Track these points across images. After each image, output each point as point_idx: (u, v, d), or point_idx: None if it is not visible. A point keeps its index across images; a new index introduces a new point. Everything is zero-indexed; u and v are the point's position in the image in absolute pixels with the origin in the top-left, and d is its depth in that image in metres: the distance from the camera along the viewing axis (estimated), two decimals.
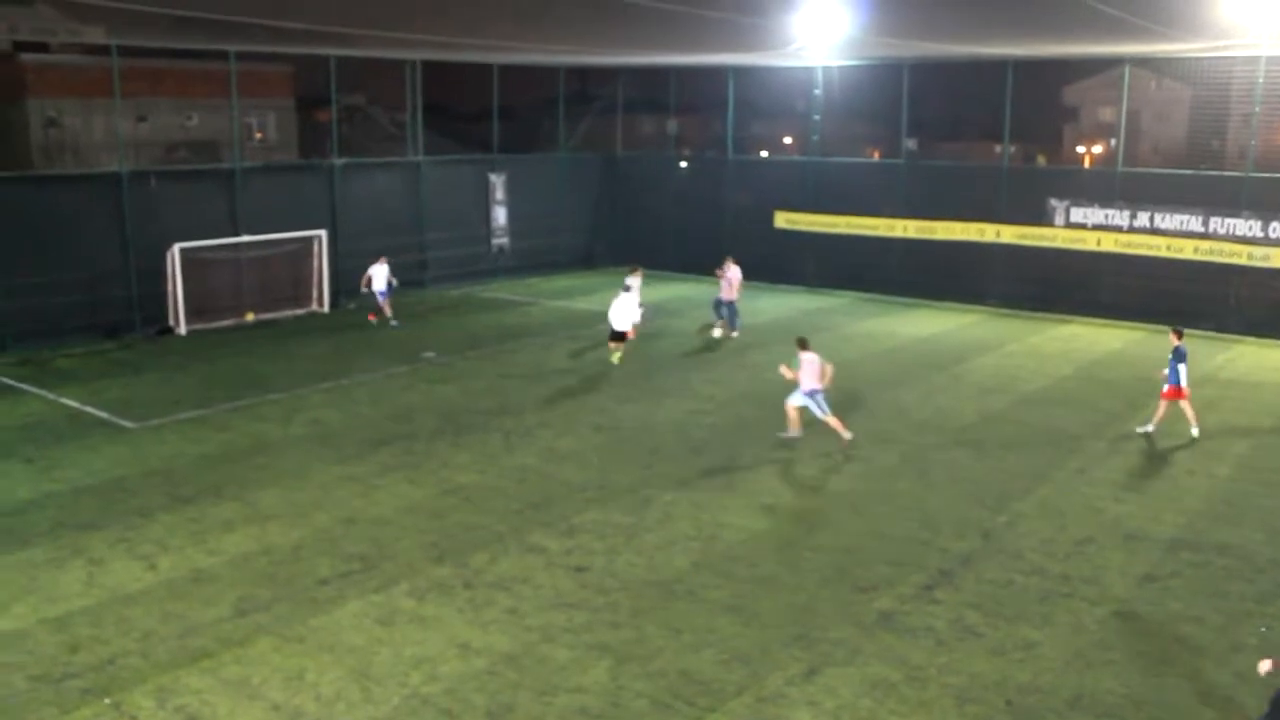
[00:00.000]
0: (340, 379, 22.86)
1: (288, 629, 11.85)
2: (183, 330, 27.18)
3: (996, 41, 25.73)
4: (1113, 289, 28.87)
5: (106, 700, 10.41)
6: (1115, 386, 22.36)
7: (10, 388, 22.14)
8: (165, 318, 27.25)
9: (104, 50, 28.54)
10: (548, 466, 17.35)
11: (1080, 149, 68.81)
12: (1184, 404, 19.02)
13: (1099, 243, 29.20)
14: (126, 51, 28.09)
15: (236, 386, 22.24)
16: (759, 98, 41.24)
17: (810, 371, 18.26)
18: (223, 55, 29.26)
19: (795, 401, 18.50)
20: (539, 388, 22.33)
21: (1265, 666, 9.21)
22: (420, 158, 34.01)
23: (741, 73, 35.70)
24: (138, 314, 26.93)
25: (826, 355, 25.05)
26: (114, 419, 19.92)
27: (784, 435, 18.63)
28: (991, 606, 12.47)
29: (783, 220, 34.74)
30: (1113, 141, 42.25)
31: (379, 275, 28.24)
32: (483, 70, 34.54)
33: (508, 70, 35.09)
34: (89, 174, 31.27)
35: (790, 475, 17.07)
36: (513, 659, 11.20)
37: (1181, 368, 18.80)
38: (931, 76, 33.86)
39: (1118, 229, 28.89)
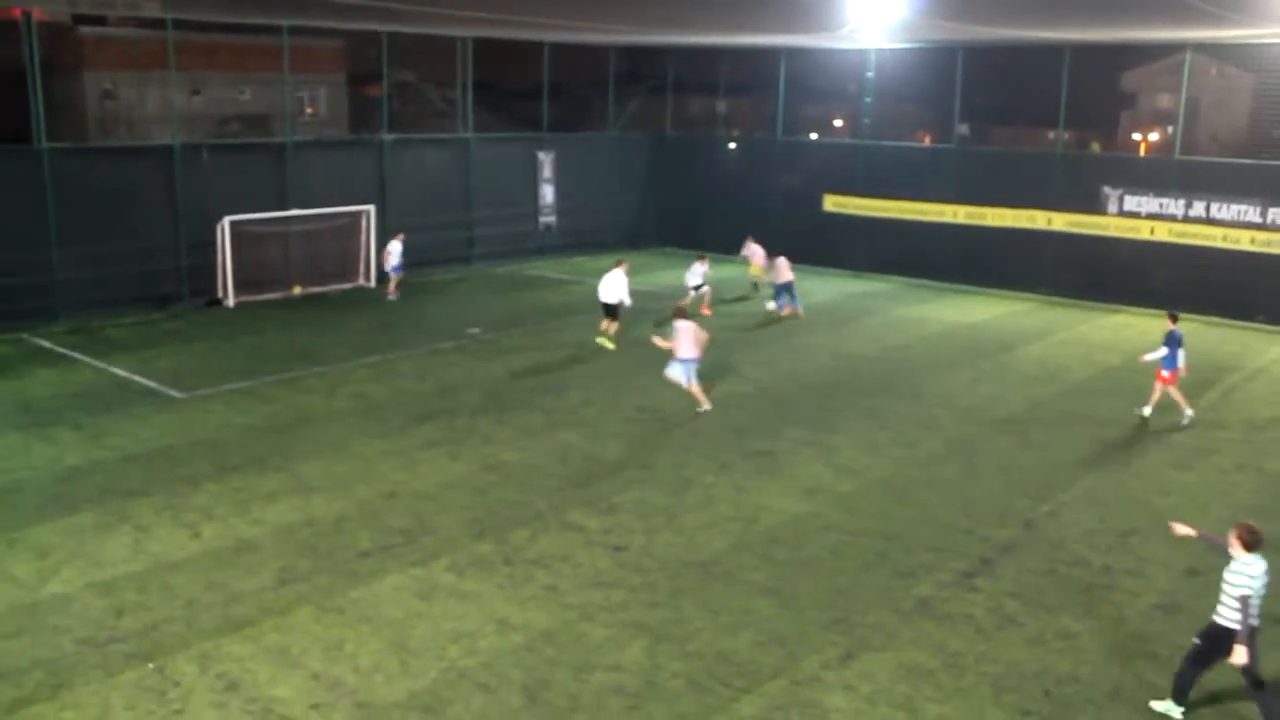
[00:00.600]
0: (385, 353, 23.03)
1: (328, 600, 11.98)
2: (231, 302, 27.49)
3: (1056, 26, 25.28)
4: (1165, 279, 28.29)
5: (150, 665, 10.59)
6: None
7: (62, 356, 22.52)
8: (214, 289, 27.58)
9: (160, 24, 28.79)
10: (589, 445, 17.38)
11: (1136, 136, 67.57)
12: (1159, 385, 18.85)
13: (1153, 232, 28.73)
14: (182, 25, 28.38)
15: (283, 359, 22.47)
16: (810, 79, 40.77)
17: (686, 340, 18.67)
18: (275, 30, 29.44)
19: (673, 371, 18.96)
20: (582, 366, 22.37)
21: (1181, 530, 10.01)
22: (469, 135, 34.05)
23: (793, 54, 35.37)
24: (187, 285, 27.27)
25: (873, 339, 25.20)
26: (162, 389, 20.21)
27: (699, 409, 19.08)
28: (1032, 596, 12.36)
29: (832, 203, 34.50)
30: (1169, 129, 41.43)
31: (395, 251, 28.47)
32: (534, 48, 34.49)
33: (558, 49, 35.02)
34: (142, 146, 31.53)
35: (832, 459, 16.97)
36: (550, 636, 11.25)
37: (1162, 350, 18.53)
38: (985, 60, 33.38)
39: (1172, 218, 28.42)
